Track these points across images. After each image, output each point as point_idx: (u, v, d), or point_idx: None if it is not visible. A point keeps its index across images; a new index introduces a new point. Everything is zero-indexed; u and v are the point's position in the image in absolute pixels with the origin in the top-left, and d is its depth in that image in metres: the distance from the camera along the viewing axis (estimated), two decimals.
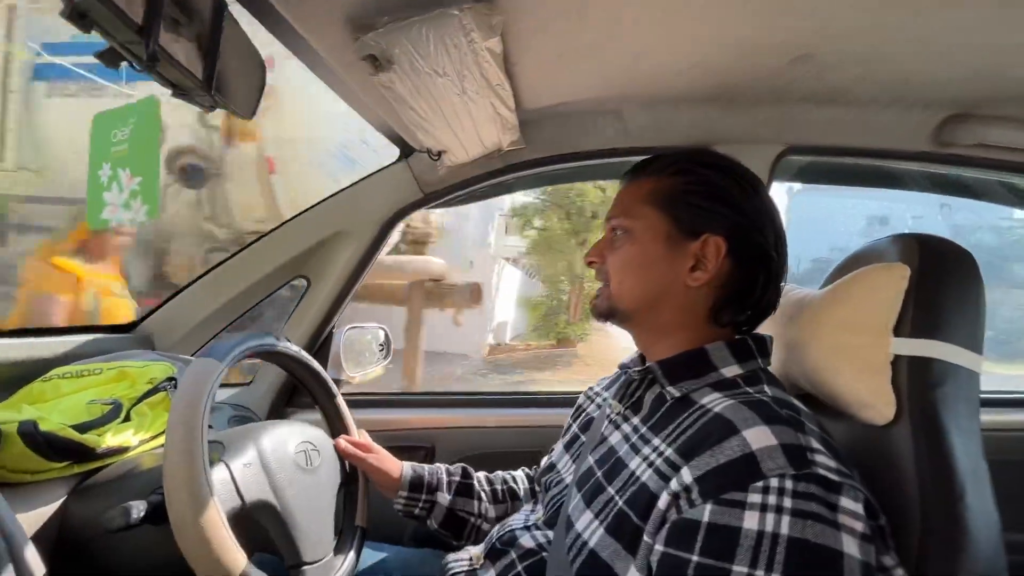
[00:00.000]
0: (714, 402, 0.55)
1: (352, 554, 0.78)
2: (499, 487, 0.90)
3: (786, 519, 0.45)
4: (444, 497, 0.85)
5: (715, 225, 0.61)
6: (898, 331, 0.60)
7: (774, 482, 0.46)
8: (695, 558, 0.46)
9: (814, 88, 0.86)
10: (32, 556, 0.57)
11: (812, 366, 0.67)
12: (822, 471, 0.47)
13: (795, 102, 0.92)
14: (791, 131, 0.96)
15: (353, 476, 0.85)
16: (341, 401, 0.87)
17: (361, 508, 0.84)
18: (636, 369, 0.67)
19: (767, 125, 0.95)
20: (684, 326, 0.64)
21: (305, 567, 0.68)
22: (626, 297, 0.65)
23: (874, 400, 0.60)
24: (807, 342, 0.68)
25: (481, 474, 0.91)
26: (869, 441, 0.60)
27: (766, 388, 0.57)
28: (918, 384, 0.58)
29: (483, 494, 0.88)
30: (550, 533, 0.68)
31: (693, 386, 0.59)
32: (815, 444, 0.49)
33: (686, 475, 0.49)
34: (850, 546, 0.45)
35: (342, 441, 0.84)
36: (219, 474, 0.61)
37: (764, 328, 0.77)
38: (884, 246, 0.68)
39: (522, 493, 0.91)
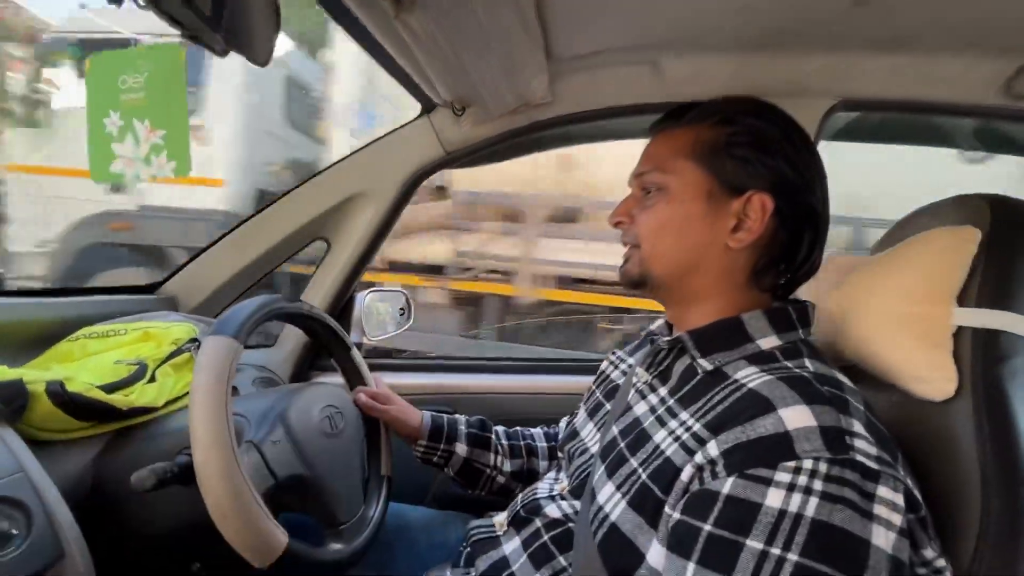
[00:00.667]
0: (749, 377, 0.51)
1: (381, 504, 0.80)
2: (517, 442, 0.90)
3: (814, 501, 0.42)
4: (461, 448, 0.86)
5: (761, 181, 0.56)
6: (962, 300, 0.55)
7: (807, 464, 0.43)
8: (708, 527, 0.44)
9: (876, 34, 0.78)
10: (65, 514, 0.58)
11: (862, 336, 0.63)
12: (861, 457, 0.43)
13: (852, 50, 0.83)
14: (845, 82, 0.87)
15: (375, 427, 0.85)
16: (356, 353, 0.87)
17: (385, 458, 0.85)
18: (665, 339, 0.63)
19: (819, 76, 0.87)
20: (721, 291, 0.59)
21: (342, 527, 0.70)
22: (660, 262, 0.60)
23: (932, 374, 0.56)
24: (857, 310, 0.64)
25: (499, 428, 0.91)
26: (924, 418, 0.57)
27: (807, 362, 0.53)
28: (983, 358, 0.53)
29: (499, 448, 0.88)
30: (576, 503, 0.67)
31: (726, 358, 0.55)
32: (856, 427, 0.45)
33: (712, 448, 0.47)
34: (880, 538, 0.42)
35: (362, 396, 0.83)
36: (250, 456, 0.60)
37: (810, 297, 0.72)
38: (947, 208, 0.63)
39: (539, 450, 0.90)
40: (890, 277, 0.62)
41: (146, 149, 0.62)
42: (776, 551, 0.42)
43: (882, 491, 0.43)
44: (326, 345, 0.86)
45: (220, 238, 1.11)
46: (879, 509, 0.42)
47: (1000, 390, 0.52)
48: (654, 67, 0.91)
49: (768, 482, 0.43)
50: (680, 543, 0.46)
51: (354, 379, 0.88)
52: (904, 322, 0.58)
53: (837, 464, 0.43)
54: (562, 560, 0.63)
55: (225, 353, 0.59)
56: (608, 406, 0.72)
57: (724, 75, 0.91)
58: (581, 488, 0.65)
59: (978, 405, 0.52)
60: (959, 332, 0.55)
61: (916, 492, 0.46)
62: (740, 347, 0.56)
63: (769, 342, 0.56)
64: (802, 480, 0.43)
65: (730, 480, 0.45)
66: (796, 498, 0.42)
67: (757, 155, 0.56)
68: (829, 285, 0.70)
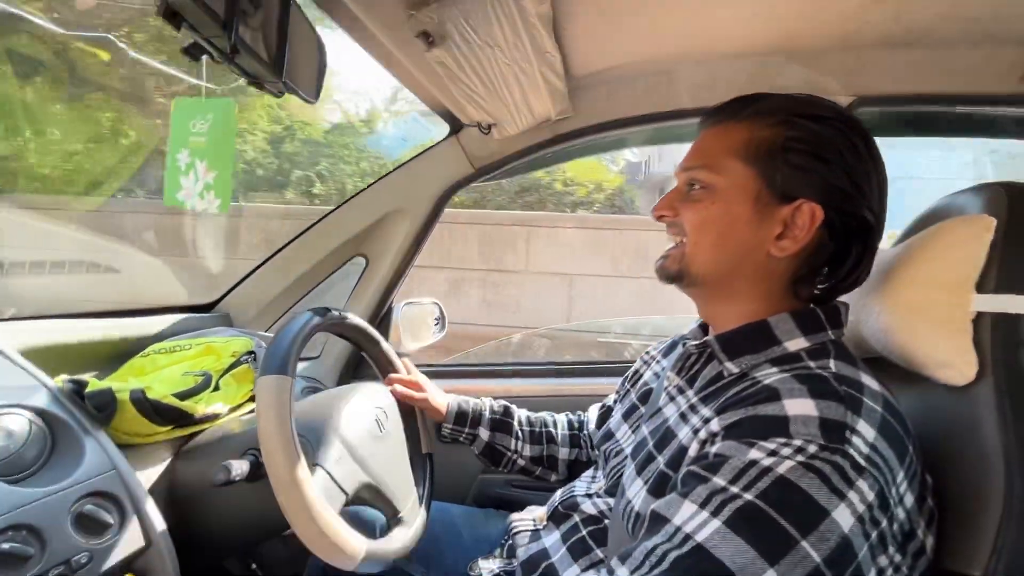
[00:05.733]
0: (767, 375, 0.52)
1: (428, 481, 0.85)
2: (538, 429, 0.94)
3: (789, 463, 0.43)
4: (484, 432, 0.91)
5: (813, 189, 0.54)
6: (981, 287, 0.56)
7: (797, 442, 0.44)
8: (686, 468, 0.49)
9: (890, 30, 0.80)
10: (152, 508, 0.65)
11: (884, 326, 0.64)
12: (853, 451, 0.44)
13: (867, 47, 0.85)
14: (862, 80, 0.88)
15: (411, 411, 0.91)
16: (385, 344, 0.92)
17: (424, 437, 0.91)
18: (694, 343, 0.64)
19: (834, 75, 0.88)
20: (757, 296, 0.59)
21: (400, 515, 0.75)
22: (701, 260, 0.59)
23: (953, 359, 0.57)
24: (879, 301, 0.65)
25: (523, 413, 0.95)
26: (947, 404, 0.58)
27: (831, 363, 0.52)
28: (1003, 342, 0.54)
29: (520, 433, 0.93)
30: (611, 501, 0.70)
31: (753, 361, 0.56)
32: (862, 427, 0.45)
33: (715, 424, 0.50)
34: (841, 514, 0.42)
35: (397, 387, 0.88)
36: (321, 480, 0.64)
37: None
38: (966, 198, 0.64)
39: (559, 438, 0.94)
40: (909, 267, 0.63)
41: (201, 186, 0.71)
42: (735, 489, 0.44)
43: (861, 483, 0.43)
44: (356, 342, 0.90)
45: (268, 259, 1.20)
46: (851, 494, 0.42)
47: (1020, 373, 0.53)
48: (669, 77, 0.95)
49: (753, 444, 0.45)
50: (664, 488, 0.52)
51: (386, 367, 0.93)
52: (924, 309, 0.59)
53: (827, 450, 0.43)
54: (599, 553, 0.67)
55: (279, 391, 0.62)
56: (643, 409, 0.74)
57: (741, 79, 0.93)
58: (615, 487, 0.68)
59: (999, 388, 0.53)
60: (979, 318, 0.56)
61: (891, 499, 0.45)
62: (767, 350, 0.56)
63: (796, 344, 0.55)
64: (786, 451, 0.43)
65: (723, 443, 0.47)
66: (773, 459, 0.43)
67: (813, 163, 0.54)
68: None
